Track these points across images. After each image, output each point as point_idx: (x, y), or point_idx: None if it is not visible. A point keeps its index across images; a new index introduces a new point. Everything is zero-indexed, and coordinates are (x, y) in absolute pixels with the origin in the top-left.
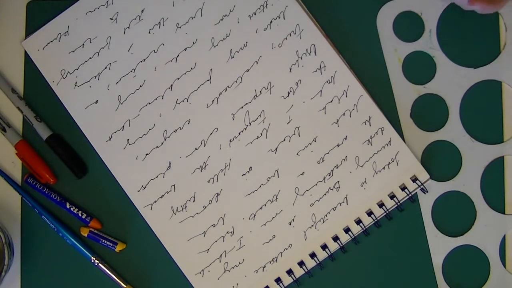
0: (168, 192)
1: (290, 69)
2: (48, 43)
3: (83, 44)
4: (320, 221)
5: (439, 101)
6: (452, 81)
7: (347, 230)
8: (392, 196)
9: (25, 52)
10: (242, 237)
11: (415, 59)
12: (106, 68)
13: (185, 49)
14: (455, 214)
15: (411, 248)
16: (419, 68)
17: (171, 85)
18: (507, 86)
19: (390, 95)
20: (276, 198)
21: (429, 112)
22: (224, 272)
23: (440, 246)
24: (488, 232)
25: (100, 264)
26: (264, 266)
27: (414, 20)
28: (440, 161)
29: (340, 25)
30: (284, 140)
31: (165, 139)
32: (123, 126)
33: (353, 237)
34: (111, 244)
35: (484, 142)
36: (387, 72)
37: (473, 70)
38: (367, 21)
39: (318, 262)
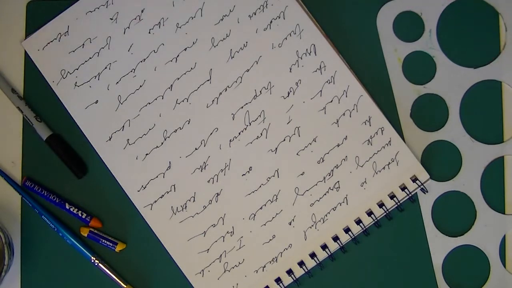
0: (168, 192)
1: (290, 69)
2: (48, 43)
3: (83, 44)
4: (320, 221)
5: (439, 101)
6: (452, 81)
7: (347, 230)
8: (392, 196)
9: (25, 52)
10: (242, 237)
11: (415, 59)
12: (106, 68)
13: (185, 49)
14: (455, 214)
15: (411, 248)
16: (419, 68)
17: (171, 85)
18: (507, 86)
19: (390, 95)
20: (276, 198)
21: (429, 112)
22: (224, 272)
23: (440, 246)
24: (488, 232)
25: (100, 264)
26: (264, 266)
27: (414, 20)
28: (440, 161)
29: (340, 25)
30: (284, 140)
31: (165, 139)
32: (123, 126)
33: (353, 237)
34: (111, 244)
35: (484, 142)
36: (387, 72)
37: (473, 70)
38: (367, 21)
39: (318, 262)
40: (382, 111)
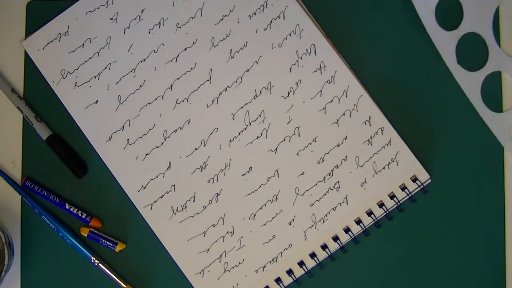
0: (168, 192)
1: (290, 69)
2: (48, 43)
3: (83, 44)
4: (320, 221)
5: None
6: None
7: (347, 230)
8: (392, 196)
9: (25, 52)
10: (242, 237)
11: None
12: (106, 68)
13: (185, 49)
14: None
15: (411, 248)
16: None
17: (171, 85)
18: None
19: (390, 93)
20: (276, 198)
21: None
22: (224, 272)
23: None
24: None
25: (100, 264)
26: (264, 266)
27: None
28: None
29: (340, 25)
30: (284, 140)
31: (165, 139)
32: (123, 126)
33: (353, 237)
34: (111, 244)
35: None
36: (388, 71)
37: None
38: (367, 20)
39: (318, 262)
40: (382, 111)
